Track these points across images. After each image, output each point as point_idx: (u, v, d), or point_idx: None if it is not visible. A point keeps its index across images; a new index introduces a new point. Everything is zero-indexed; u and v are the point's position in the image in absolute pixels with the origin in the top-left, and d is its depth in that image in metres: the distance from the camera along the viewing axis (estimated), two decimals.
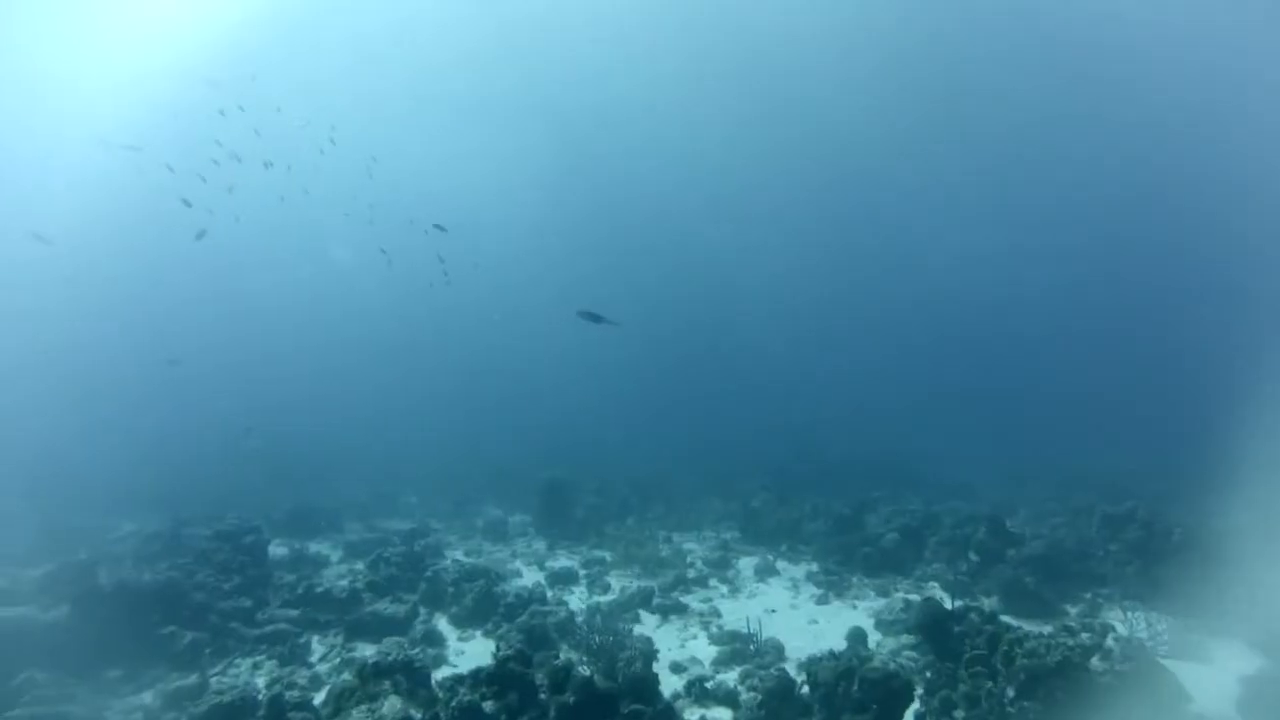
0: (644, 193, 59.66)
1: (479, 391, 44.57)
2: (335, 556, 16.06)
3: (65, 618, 9.14)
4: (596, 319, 12.31)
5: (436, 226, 20.91)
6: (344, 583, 13.23)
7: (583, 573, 14.72)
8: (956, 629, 7.98)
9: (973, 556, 12.39)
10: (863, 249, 64.94)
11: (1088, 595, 11.96)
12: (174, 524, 16.59)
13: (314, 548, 16.35)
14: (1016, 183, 57.50)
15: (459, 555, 16.12)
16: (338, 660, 9.71)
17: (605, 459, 27.95)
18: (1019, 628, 8.13)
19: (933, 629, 8.13)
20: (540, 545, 17.21)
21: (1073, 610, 11.37)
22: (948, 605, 9.07)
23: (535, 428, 33.72)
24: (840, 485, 25.01)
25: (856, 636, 10.77)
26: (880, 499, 20.79)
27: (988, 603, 12.02)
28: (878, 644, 10.70)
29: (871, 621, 11.77)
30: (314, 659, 9.93)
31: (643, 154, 56.99)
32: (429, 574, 12.26)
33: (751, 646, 10.47)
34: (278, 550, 15.23)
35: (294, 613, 10.85)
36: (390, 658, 6.90)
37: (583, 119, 54.04)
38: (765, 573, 15.14)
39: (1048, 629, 10.08)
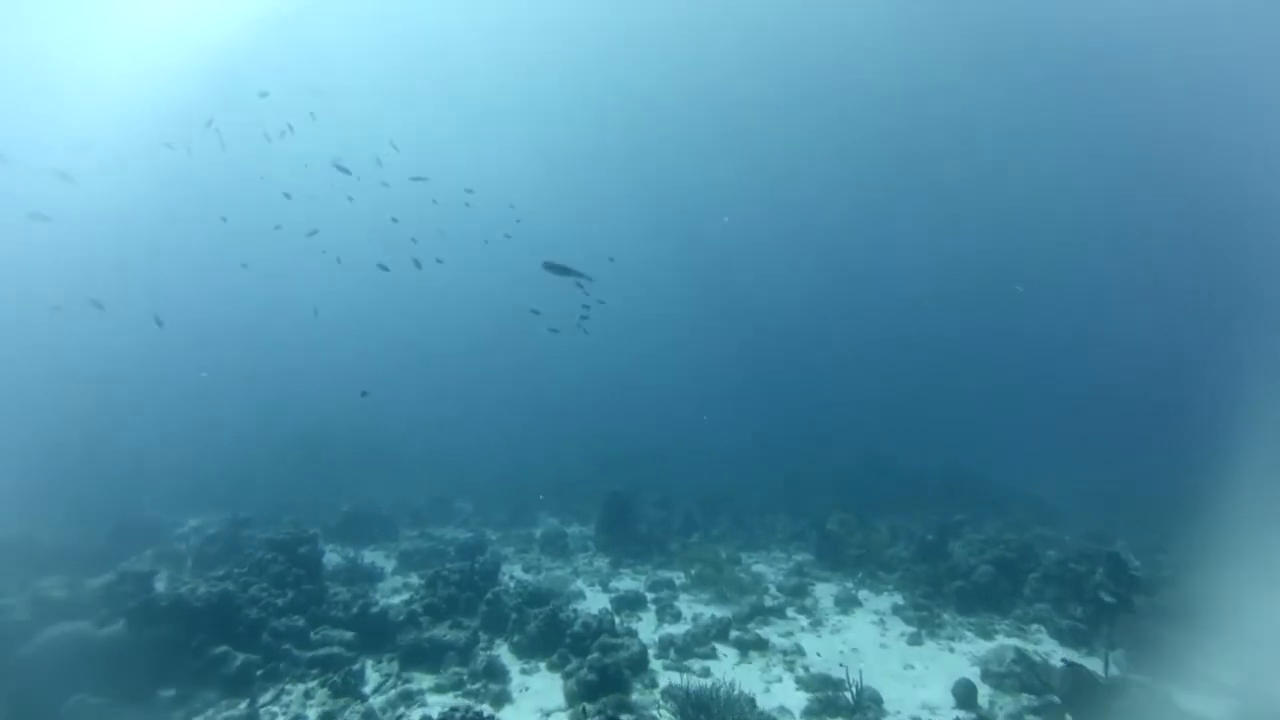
0: (702, 208, 58.92)
1: (533, 397, 44.16)
2: (389, 568, 15.53)
3: (121, 633, 8.68)
4: (565, 271, 11.47)
5: (416, 179, 20.03)
6: (399, 600, 12.66)
7: (650, 596, 13.78)
8: (1114, 703, 6.68)
9: (1106, 598, 10.88)
10: (906, 258, 62.77)
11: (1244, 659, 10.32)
12: (233, 525, 16.42)
13: (368, 557, 15.89)
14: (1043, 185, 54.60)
15: (518, 571, 15.41)
16: (393, 693, 8.99)
17: (664, 470, 26.98)
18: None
19: (1082, 702, 6.84)
20: (602, 563, 16.34)
21: (1230, 680, 9.76)
22: (1097, 669, 7.75)
23: (590, 436, 32.91)
24: (914, 503, 23.50)
25: (965, 691, 9.48)
26: (963, 523, 19.18)
27: (1112, 657, 10.59)
28: (990, 701, 9.42)
29: (977, 671, 10.44)
30: (368, 689, 9.25)
31: (703, 165, 56.27)
32: (489, 596, 11.50)
33: (848, 694, 9.32)
34: (331, 557, 14.84)
35: (348, 634, 10.21)
36: (457, 716, 6.04)
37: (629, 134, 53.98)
38: (847, 604, 13.91)
39: (1219, 705, 8.63)
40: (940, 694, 9.78)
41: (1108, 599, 10.79)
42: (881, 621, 13.07)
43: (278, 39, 43.51)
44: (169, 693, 8.65)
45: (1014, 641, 11.66)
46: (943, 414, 41.82)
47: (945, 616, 13.09)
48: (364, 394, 18.29)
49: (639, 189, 57.92)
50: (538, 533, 18.99)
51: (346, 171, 18.62)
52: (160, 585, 11.64)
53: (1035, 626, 12.37)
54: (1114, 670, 7.98)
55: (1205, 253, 53.64)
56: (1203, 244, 53.32)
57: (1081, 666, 7.49)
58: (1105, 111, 47.23)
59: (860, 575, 15.94)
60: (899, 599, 14.28)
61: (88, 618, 8.60)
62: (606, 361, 52.59)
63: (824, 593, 14.73)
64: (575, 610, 11.70)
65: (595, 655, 9.48)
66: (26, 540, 13.34)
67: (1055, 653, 11.12)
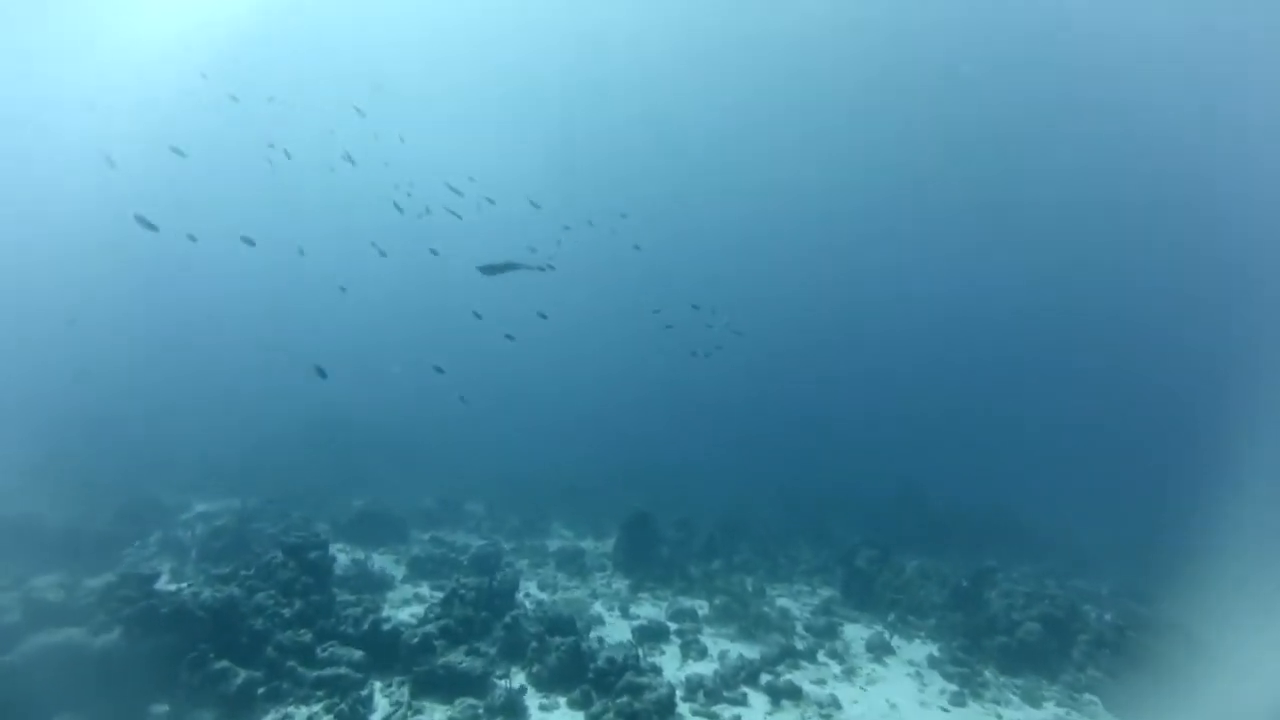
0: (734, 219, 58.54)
1: (551, 398, 43.37)
2: (399, 575, 14.85)
3: (116, 643, 8.02)
4: (506, 268, 10.92)
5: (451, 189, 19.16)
6: (409, 613, 12.03)
7: (673, 627, 13.02)
8: None
9: (1181, 677, 9.97)
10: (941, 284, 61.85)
11: None
12: (240, 519, 15.85)
13: (378, 561, 15.21)
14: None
15: (533, 588, 14.69)
16: None
17: (681, 485, 26.19)
18: None
19: None
20: (621, 585, 15.56)
21: None
22: None
23: (607, 444, 32.07)
24: (940, 541, 22.56)
25: None
26: (995, 569, 18.23)
27: None
28: None
29: None
30: (376, 717, 8.54)
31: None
32: (508, 620, 10.78)
33: None
34: (340, 558, 14.18)
35: (357, 654, 9.52)
36: None
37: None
38: (880, 650, 13.10)
39: None
40: None
41: (1183, 678, 9.89)
42: (919, 675, 12.24)
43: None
44: (162, 708, 7.99)
45: (1068, 714, 10.82)
46: (969, 446, 40.65)
47: (987, 675, 12.25)
48: (462, 399, 18.03)
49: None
50: (552, 545, 18.28)
51: (459, 193, 17.91)
52: (162, 581, 11.03)
53: (1089, 697, 11.47)
54: None
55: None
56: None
57: None
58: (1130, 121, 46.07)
59: (891, 618, 15.11)
60: (934, 650, 13.44)
61: (82, 624, 7.95)
62: (624, 369, 51.93)
63: (854, 635, 13.92)
64: (599, 640, 10.99)
65: (624, 699, 8.75)
66: (32, 521, 12.76)
67: None
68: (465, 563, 15.30)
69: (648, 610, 14.10)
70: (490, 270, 11.29)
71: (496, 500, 22.95)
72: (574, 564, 16.32)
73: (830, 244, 61.83)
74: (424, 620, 10.68)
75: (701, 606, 14.32)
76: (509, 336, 16.09)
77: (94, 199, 44.00)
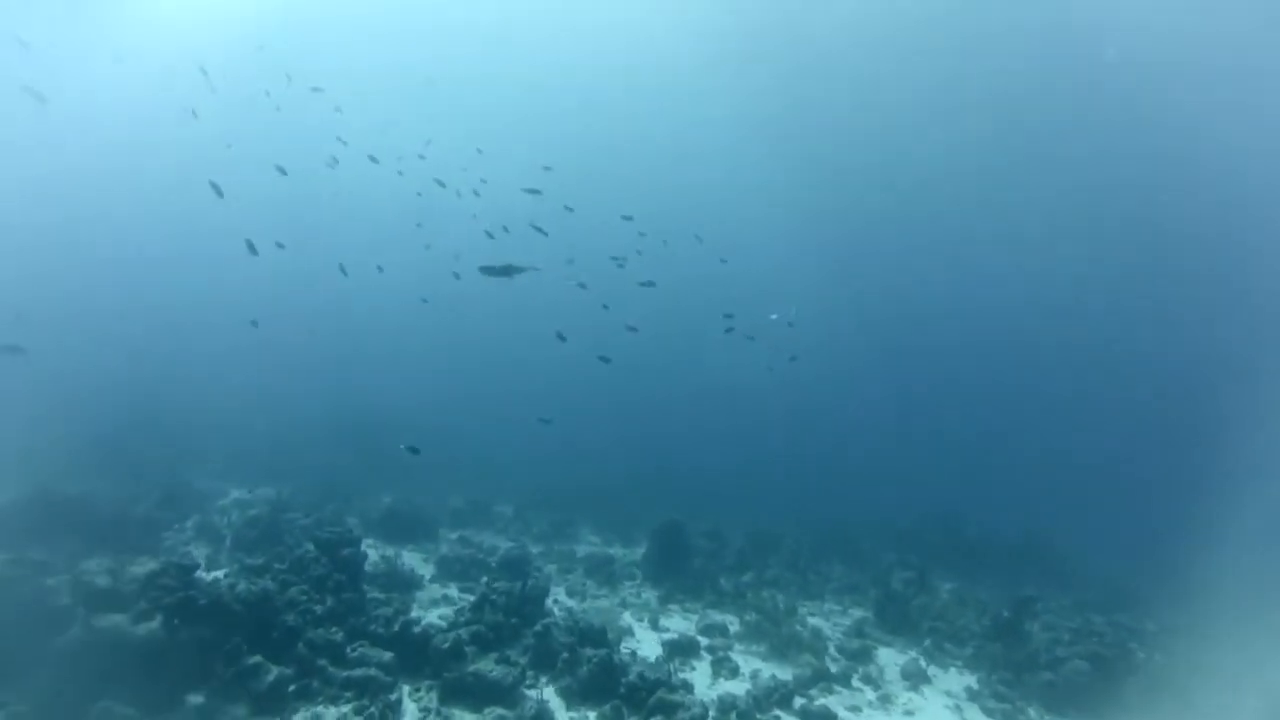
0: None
1: (584, 397, 43.19)
2: (428, 574, 14.83)
3: (156, 632, 8.05)
4: (507, 271, 10.71)
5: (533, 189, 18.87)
6: (438, 614, 11.99)
7: (704, 642, 12.76)
8: None
9: None
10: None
11: None
12: (274, 509, 15.98)
13: (407, 559, 15.19)
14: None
15: (562, 595, 14.56)
16: None
17: (709, 493, 25.90)
18: None
19: None
20: (651, 596, 15.33)
21: None
22: None
23: (636, 449, 31.89)
24: (977, 565, 21.95)
25: None
26: (1035, 599, 17.58)
27: None
28: None
29: None
30: None
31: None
32: (539, 628, 10.63)
33: None
34: (370, 554, 14.20)
35: (387, 655, 9.43)
36: None
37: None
38: (915, 678, 12.67)
39: None
40: None
41: None
42: (958, 708, 11.79)
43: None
44: (197, 699, 7.99)
45: None
46: (999, 469, 39.57)
47: (1031, 713, 11.77)
48: (546, 421, 18.31)
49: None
50: (580, 551, 18.14)
51: (536, 191, 17.81)
52: (200, 570, 11.13)
53: None
54: None
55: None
56: None
57: None
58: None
59: (927, 644, 14.65)
60: (973, 681, 12.97)
61: (126, 610, 7.99)
62: (659, 378, 51.61)
63: (888, 660, 13.51)
64: (632, 653, 10.80)
65: (657, 718, 8.52)
66: (86, 501, 12.96)
67: None
68: (494, 565, 15.25)
69: (678, 623, 13.87)
70: (490, 271, 11.23)
71: (523, 501, 22.91)
72: (603, 571, 16.15)
73: (864, 261, 60.72)
74: (454, 624, 10.58)
75: (732, 622, 14.04)
76: (604, 359, 15.94)
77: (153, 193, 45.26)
